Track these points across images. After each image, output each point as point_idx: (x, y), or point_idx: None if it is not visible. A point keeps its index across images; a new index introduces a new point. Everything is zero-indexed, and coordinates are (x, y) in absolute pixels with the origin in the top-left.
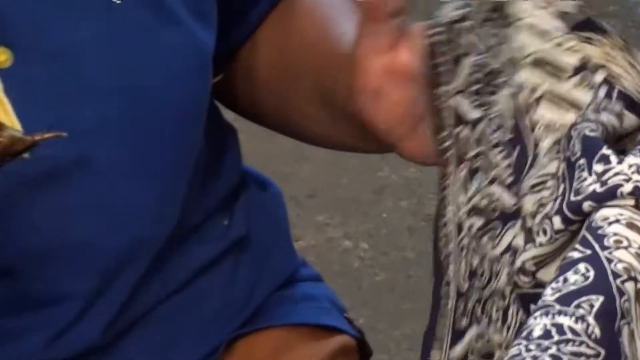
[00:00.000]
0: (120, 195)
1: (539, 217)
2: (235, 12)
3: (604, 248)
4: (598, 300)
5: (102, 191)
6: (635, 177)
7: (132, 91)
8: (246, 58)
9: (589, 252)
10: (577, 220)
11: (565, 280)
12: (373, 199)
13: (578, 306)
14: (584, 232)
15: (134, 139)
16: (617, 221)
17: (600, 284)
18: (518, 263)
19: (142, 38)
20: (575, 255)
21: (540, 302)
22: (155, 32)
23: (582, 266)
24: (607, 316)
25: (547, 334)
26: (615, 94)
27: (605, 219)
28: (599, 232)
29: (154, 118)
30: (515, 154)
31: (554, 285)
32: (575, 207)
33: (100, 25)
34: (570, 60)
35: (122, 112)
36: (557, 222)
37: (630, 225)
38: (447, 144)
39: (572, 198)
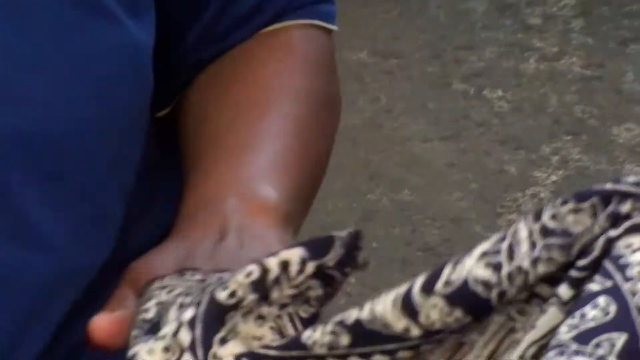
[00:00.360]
0: (40, 221)
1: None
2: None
3: (627, 279)
4: (620, 339)
5: (18, 217)
6: None
7: (56, 97)
8: (186, 99)
9: (609, 283)
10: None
11: (583, 315)
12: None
13: (597, 345)
14: (604, 261)
15: (56, 156)
16: None
17: (623, 320)
18: None
19: (68, 37)
20: (594, 287)
21: (554, 341)
22: (83, 30)
23: (601, 300)
24: (631, 356)
25: None
26: None
27: (629, 246)
28: (621, 261)
29: (80, 129)
30: None
31: (569, 321)
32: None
33: (12, 23)
34: None
35: (42, 124)
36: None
37: None
38: None
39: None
